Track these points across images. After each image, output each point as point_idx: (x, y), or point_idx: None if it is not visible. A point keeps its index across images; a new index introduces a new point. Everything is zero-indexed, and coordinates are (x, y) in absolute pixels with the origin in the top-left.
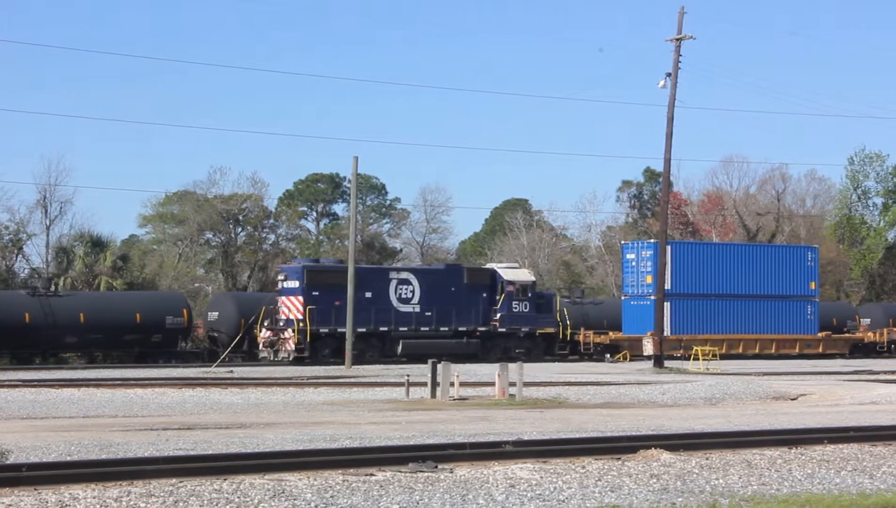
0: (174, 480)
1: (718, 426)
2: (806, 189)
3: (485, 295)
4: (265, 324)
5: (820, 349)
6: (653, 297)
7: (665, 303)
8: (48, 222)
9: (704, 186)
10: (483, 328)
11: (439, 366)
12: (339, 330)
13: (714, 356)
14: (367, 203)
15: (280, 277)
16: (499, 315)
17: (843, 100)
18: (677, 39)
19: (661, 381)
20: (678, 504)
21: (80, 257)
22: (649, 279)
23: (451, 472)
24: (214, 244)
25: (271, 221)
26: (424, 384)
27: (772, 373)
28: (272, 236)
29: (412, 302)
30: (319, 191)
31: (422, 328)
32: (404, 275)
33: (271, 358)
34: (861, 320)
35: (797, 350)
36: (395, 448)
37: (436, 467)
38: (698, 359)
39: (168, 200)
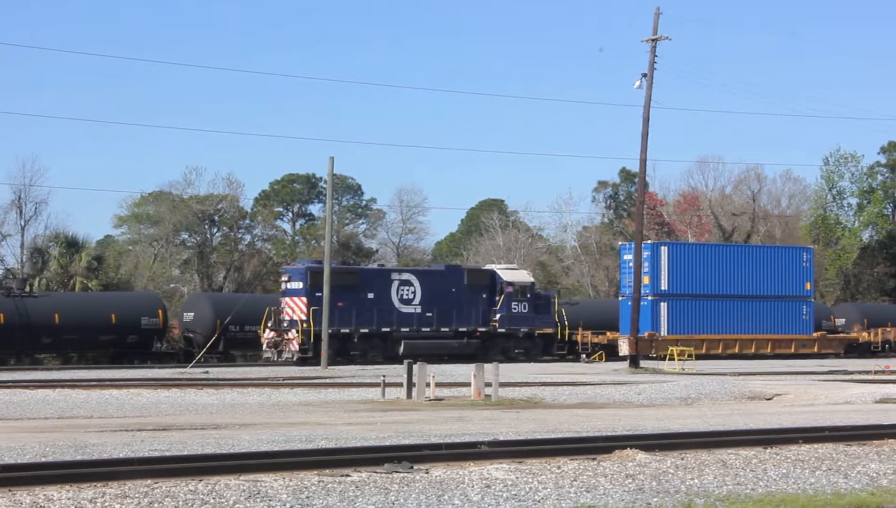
0: (149, 481)
1: (694, 426)
2: (781, 189)
3: (484, 296)
4: (269, 325)
5: (815, 349)
6: (650, 297)
7: (662, 304)
8: (23, 223)
9: (680, 187)
10: (483, 329)
11: (415, 366)
12: (342, 330)
13: (690, 356)
14: (342, 204)
15: (284, 278)
16: (498, 316)
17: (818, 100)
18: (653, 40)
19: (636, 381)
20: (653, 504)
21: (55, 257)
22: (646, 280)
23: (427, 472)
24: (190, 245)
25: (247, 221)
26: (400, 385)
27: (747, 373)
28: (248, 237)
29: (413, 303)
30: (295, 191)
31: (423, 329)
32: (406, 276)
33: (275, 359)
34: (836, 320)
35: (793, 350)
36: (370, 448)
37: (411, 467)
38: (674, 359)
39: (143, 200)
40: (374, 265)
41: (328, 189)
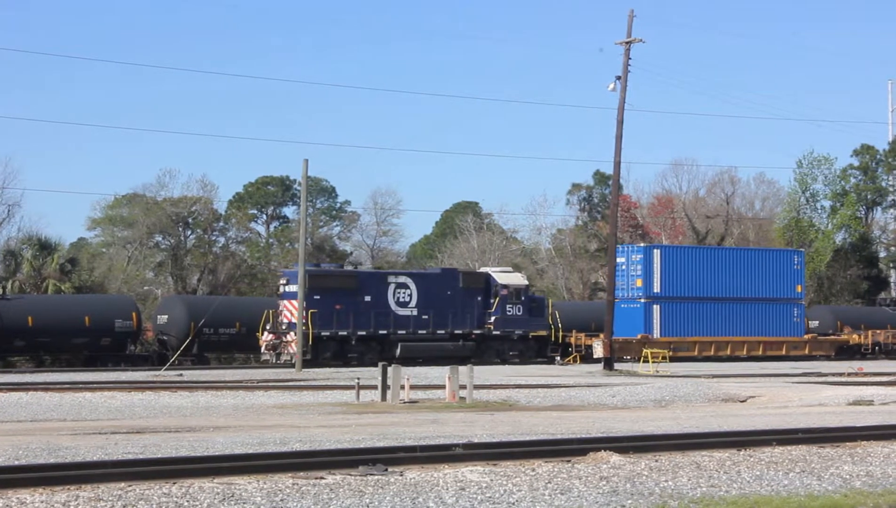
0: (123, 484)
1: (668, 428)
2: (755, 192)
3: (479, 299)
4: (267, 328)
5: (806, 351)
6: (643, 300)
7: (655, 306)
8: None
9: (654, 189)
10: (478, 331)
11: (390, 369)
12: (340, 333)
13: (664, 358)
14: (317, 206)
15: (282, 281)
16: (493, 318)
17: (791, 103)
18: (627, 43)
19: (610, 384)
20: (628, 506)
21: (28, 260)
22: (639, 283)
23: (402, 475)
24: (164, 247)
25: (221, 224)
26: (375, 388)
27: (722, 375)
28: (222, 240)
29: (410, 306)
30: (269, 194)
31: (419, 332)
32: (402, 279)
33: (273, 361)
34: (809, 322)
35: (784, 352)
36: (344, 451)
37: (386, 470)
38: (648, 362)
39: (117, 202)
40: (369, 268)
41: (302, 191)
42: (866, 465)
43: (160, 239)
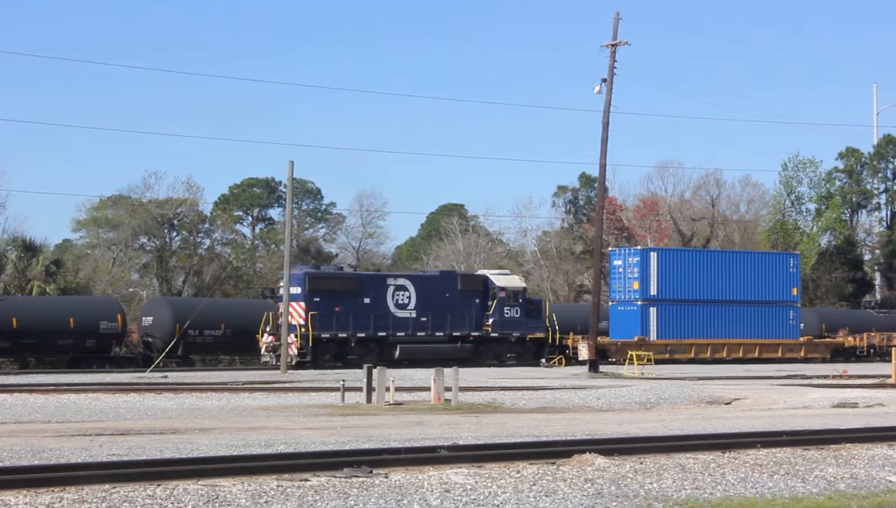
0: (107, 486)
1: (653, 430)
2: (740, 195)
3: (477, 301)
4: (267, 329)
5: (802, 354)
6: (640, 302)
7: (652, 308)
8: None
9: (640, 192)
10: (476, 333)
11: (375, 371)
12: (339, 335)
13: (649, 360)
14: (302, 208)
15: (282, 282)
16: (491, 321)
17: (777, 106)
18: (613, 45)
19: (596, 386)
20: None
21: (13, 261)
22: (636, 286)
23: (387, 477)
24: (149, 249)
25: (206, 225)
26: (360, 390)
27: (707, 378)
28: (207, 241)
29: (409, 308)
30: (255, 196)
31: (418, 334)
32: (401, 281)
33: (273, 363)
34: None
35: (780, 355)
36: (329, 453)
37: (371, 472)
38: (633, 363)
39: (102, 204)
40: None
41: (288, 193)
42: (850, 467)
43: (145, 241)
